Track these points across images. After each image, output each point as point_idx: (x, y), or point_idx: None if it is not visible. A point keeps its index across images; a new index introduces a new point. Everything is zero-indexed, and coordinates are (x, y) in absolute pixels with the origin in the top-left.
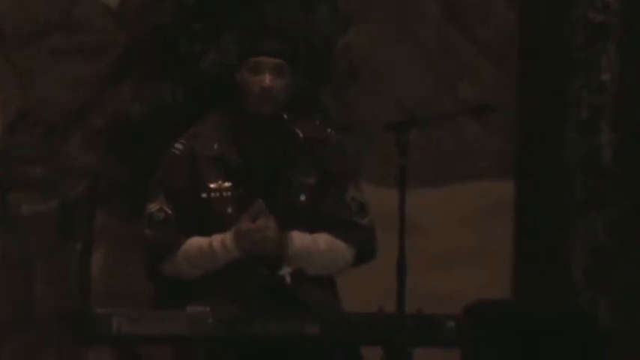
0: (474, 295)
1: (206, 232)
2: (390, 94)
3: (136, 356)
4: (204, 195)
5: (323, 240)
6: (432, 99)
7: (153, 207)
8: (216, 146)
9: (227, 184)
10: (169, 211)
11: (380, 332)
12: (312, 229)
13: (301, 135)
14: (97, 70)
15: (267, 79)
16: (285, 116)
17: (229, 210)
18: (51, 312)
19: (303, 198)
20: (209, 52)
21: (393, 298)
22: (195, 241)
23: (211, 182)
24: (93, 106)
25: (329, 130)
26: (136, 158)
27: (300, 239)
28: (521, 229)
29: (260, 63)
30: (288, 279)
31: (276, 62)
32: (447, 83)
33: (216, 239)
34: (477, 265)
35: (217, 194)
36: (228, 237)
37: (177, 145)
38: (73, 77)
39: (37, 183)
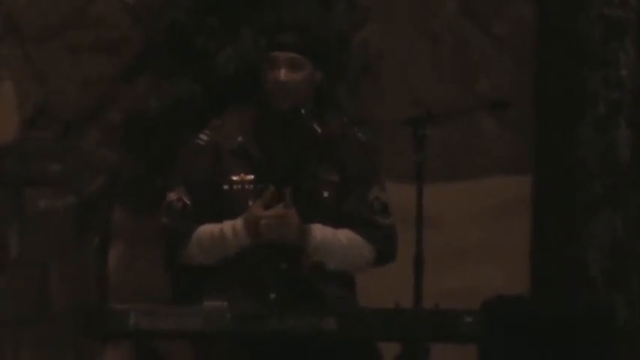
0: (490, 291)
1: None
2: (405, 89)
3: (153, 351)
4: (225, 187)
5: (344, 235)
6: (448, 94)
7: (172, 196)
8: (240, 139)
9: (249, 177)
10: (188, 201)
11: (397, 328)
12: (333, 226)
13: (319, 131)
14: (114, 66)
15: (282, 73)
16: (303, 111)
17: (250, 203)
18: (67, 308)
19: (326, 195)
20: (226, 47)
21: (410, 294)
22: (207, 227)
23: (234, 174)
24: (110, 102)
25: (354, 128)
26: (153, 154)
27: (321, 232)
28: (538, 225)
29: (276, 58)
30: (306, 270)
31: (291, 56)
32: (463, 78)
33: (227, 225)
34: (493, 260)
35: (239, 186)
36: (238, 223)
37: (202, 136)
38: (89, 73)
39: (54, 179)
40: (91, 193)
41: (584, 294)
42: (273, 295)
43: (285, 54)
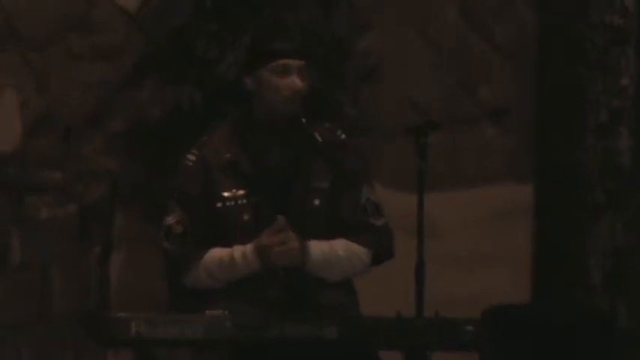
0: (493, 299)
1: (224, 241)
2: (407, 95)
3: (153, 359)
4: (219, 204)
5: (340, 246)
6: (449, 100)
7: (170, 220)
8: (228, 155)
9: (241, 192)
10: (187, 224)
11: (398, 336)
12: (328, 232)
13: (319, 139)
14: (115, 72)
15: (298, 81)
16: (304, 120)
17: (245, 217)
18: (69, 314)
19: (316, 202)
20: (227, 54)
21: (412, 302)
22: (216, 253)
23: (225, 191)
24: (111, 109)
25: (343, 134)
26: (155, 161)
27: (318, 249)
28: (540, 231)
29: (287, 65)
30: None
31: (301, 64)
32: (464, 84)
33: (237, 250)
34: (495, 268)
35: (232, 202)
36: (248, 249)
37: (189, 157)
38: (90, 80)
39: (55, 186)
40: (93, 200)
41: (586, 301)
42: (274, 304)
43: (295, 61)
